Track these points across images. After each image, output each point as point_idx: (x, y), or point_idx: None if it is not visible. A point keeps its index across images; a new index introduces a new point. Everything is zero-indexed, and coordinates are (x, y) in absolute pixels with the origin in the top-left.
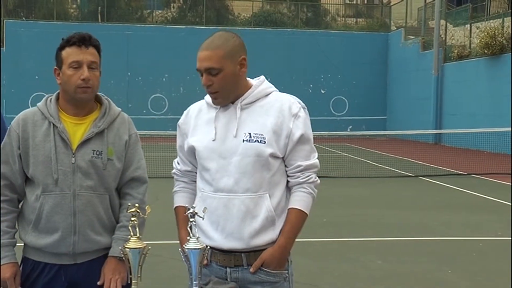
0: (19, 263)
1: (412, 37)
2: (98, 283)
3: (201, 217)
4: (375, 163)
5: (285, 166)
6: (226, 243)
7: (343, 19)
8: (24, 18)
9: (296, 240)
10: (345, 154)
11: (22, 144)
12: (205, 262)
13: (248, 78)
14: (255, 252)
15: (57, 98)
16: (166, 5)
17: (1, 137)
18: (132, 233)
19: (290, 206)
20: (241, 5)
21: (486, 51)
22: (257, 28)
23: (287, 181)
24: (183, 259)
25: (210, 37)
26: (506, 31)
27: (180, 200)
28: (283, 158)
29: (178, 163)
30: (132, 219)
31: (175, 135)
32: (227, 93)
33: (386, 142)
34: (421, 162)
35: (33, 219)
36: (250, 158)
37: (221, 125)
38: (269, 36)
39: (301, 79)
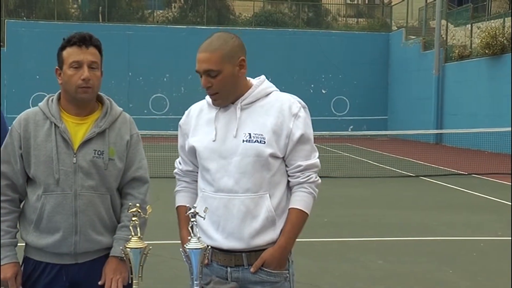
0: (21, 263)
1: (413, 37)
2: (99, 283)
3: (202, 217)
4: (376, 163)
5: (286, 166)
6: (227, 243)
7: (344, 19)
8: (25, 18)
9: (297, 240)
10: (346, 154)
11: (23, 144)
12: (206, 262)
13: (248, 78)
14: (256, 252)
15: (59, 98)
16: (167, 5)
17: (2, 137)
18: (133, 233)
19: (290, 206)
20: (242, 5)
21: (487, 51)
22: (258, 28)
23: (288, 181)
24: (184, 259)
25: (209, 38)
26: (507, 31)
27: (181, 200)
28: (283, 158)
29: (180, 163)
30: (133, 219)
31: (176, 135)
32: (227, 94)
33: (387, 142)
34: (422, 162)
35: (34, 219)
36: (250, 158)
37: (221, 125)
38: (270, 36)
39: (302, 79)
